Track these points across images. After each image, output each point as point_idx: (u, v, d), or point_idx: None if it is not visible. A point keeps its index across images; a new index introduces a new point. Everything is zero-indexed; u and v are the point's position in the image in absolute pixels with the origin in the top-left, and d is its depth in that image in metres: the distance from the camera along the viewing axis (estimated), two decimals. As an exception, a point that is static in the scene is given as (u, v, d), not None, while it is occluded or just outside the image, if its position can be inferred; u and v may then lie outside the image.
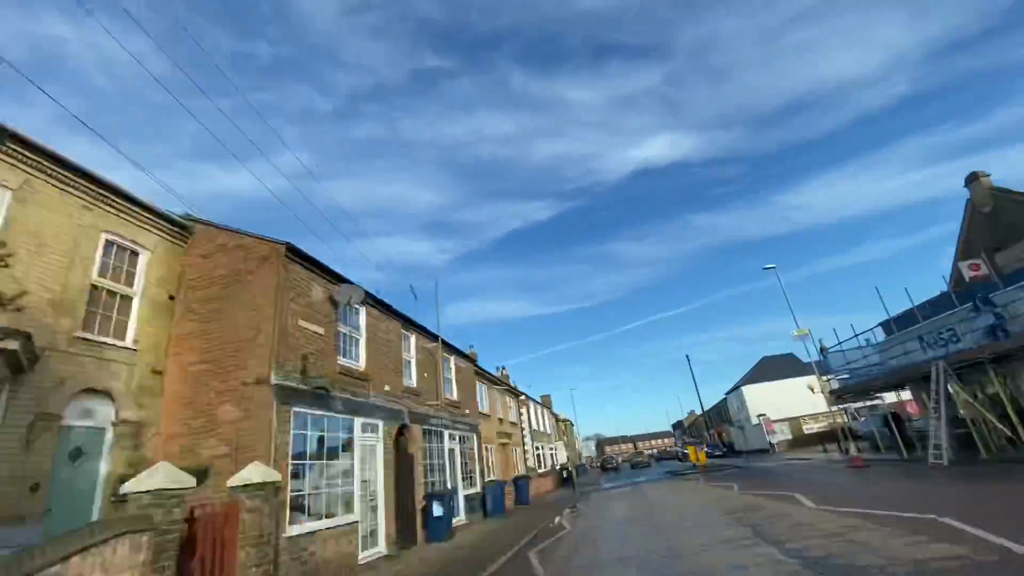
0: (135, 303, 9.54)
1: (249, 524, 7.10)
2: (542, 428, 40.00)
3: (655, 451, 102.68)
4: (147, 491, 5.63)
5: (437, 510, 12.95)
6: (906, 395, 23.49)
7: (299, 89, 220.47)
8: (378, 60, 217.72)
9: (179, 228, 10.65)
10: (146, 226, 9.96)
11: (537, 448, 36.08)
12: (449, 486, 15.61)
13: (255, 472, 7.45)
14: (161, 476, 5.80)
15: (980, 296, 15.07)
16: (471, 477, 18.09)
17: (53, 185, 8.25)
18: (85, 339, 8.32)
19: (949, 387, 15.43)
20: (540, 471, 34.30)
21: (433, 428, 15.52)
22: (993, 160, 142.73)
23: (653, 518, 12.44)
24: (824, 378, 24.12)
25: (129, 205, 9.53)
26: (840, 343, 21.90)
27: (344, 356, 11.70)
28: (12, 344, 6.41)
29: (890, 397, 25.52)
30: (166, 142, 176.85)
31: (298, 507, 8.84)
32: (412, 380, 15.04)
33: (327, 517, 9.48)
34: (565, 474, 36.32)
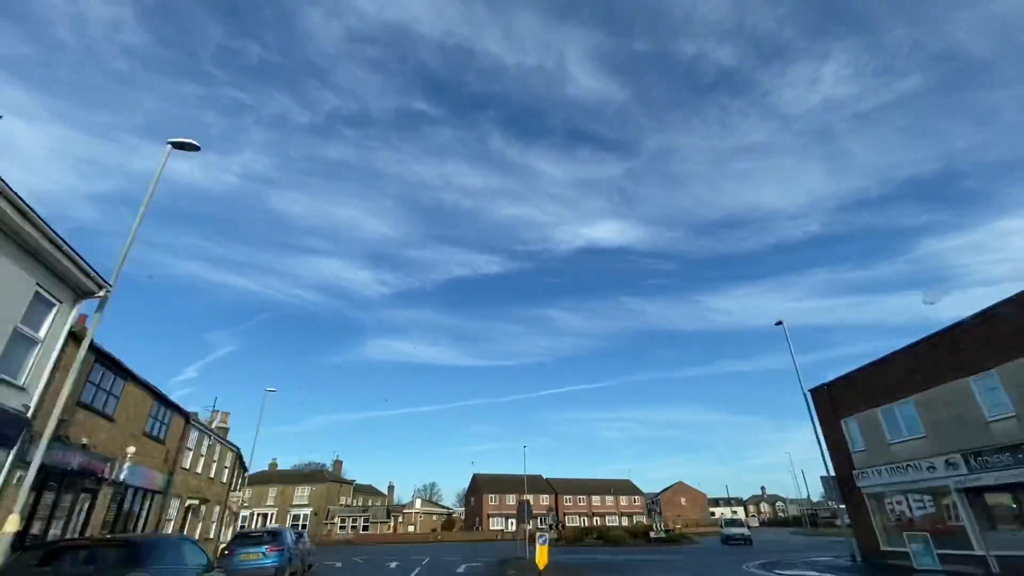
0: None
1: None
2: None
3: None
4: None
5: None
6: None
7: (280, 97, 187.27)
8: (368, 90, 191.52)
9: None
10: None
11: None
12: None
13: None
14: None
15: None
16: None
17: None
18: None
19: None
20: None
21: None
22: (871, 303, 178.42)
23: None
24: None
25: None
26: None
27: None
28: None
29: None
30: (117, 112, 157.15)
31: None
32: None
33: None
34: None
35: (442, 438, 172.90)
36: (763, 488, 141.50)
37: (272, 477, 65.48)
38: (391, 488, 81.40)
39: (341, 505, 63.60)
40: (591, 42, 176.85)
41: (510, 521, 67.57)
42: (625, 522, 74.91)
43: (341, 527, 59.42)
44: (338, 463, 69.77)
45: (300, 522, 60.82)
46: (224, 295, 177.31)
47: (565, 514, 72.23)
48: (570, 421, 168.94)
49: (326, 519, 60.26)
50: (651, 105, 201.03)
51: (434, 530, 63.42)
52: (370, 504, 68.73)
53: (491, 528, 65.27)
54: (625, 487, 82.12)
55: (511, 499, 69.11)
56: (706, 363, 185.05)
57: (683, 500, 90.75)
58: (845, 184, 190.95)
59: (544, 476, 77.30)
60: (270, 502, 62.77)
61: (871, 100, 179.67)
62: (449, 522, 65.66)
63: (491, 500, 67.91)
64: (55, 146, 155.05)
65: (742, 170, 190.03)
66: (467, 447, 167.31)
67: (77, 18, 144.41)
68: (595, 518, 74.30)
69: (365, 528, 59.48)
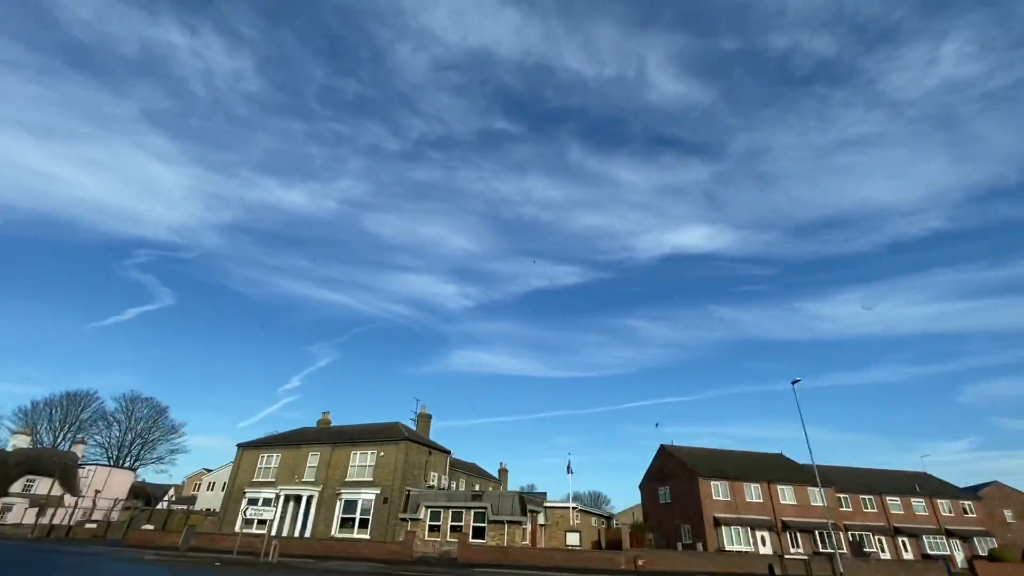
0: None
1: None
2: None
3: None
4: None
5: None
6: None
7: (374, 127, 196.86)
8: (452, 115, 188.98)
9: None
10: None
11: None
12: None
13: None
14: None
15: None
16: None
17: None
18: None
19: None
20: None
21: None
22: (1012, 306, 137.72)
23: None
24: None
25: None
26: None
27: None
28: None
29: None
30: (238, 151, 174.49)
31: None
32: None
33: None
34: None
35: (523, 447, 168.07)
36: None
37: (314, 436, 37.59)
38: (503, 472, 51.02)
39: (431, 487, 34.04)
40: (674, 46, 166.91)
41: (760, 536, 33.89)
42: (948, 539, 38.56)
43: (433, 526, 29.74)
44: (424, 417, 40.48)
45: (358, 514, 32.20)
46: (325, 311, 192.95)
47: (847, 526, 37.25)
48: (655, 436, 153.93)
49: (403, 511, 30.91)
50: (739, 104, 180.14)
51: (601, 544, 31.98)
52: (478, 489, 38.51)
53: (725, 547, 32.27)
54: (931, 485, 45.09)
55: (753, 492, 35.29)
56: (808, 375, 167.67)
57: (1007, 513, 51.46)
58: (974, 173, 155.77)
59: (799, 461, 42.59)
60: (308, 477, 34.86)
61: (1004, 77, 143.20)
62: (639, 533, 33.90)
63: (717, 493, 34.60)
64: (189, 184, 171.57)
65: (846, 164, 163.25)
66: (547, 459, 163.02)
67: (206, 72, 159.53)
68: (899, 537, 38.45)
69: (478, 534, 29.28)
